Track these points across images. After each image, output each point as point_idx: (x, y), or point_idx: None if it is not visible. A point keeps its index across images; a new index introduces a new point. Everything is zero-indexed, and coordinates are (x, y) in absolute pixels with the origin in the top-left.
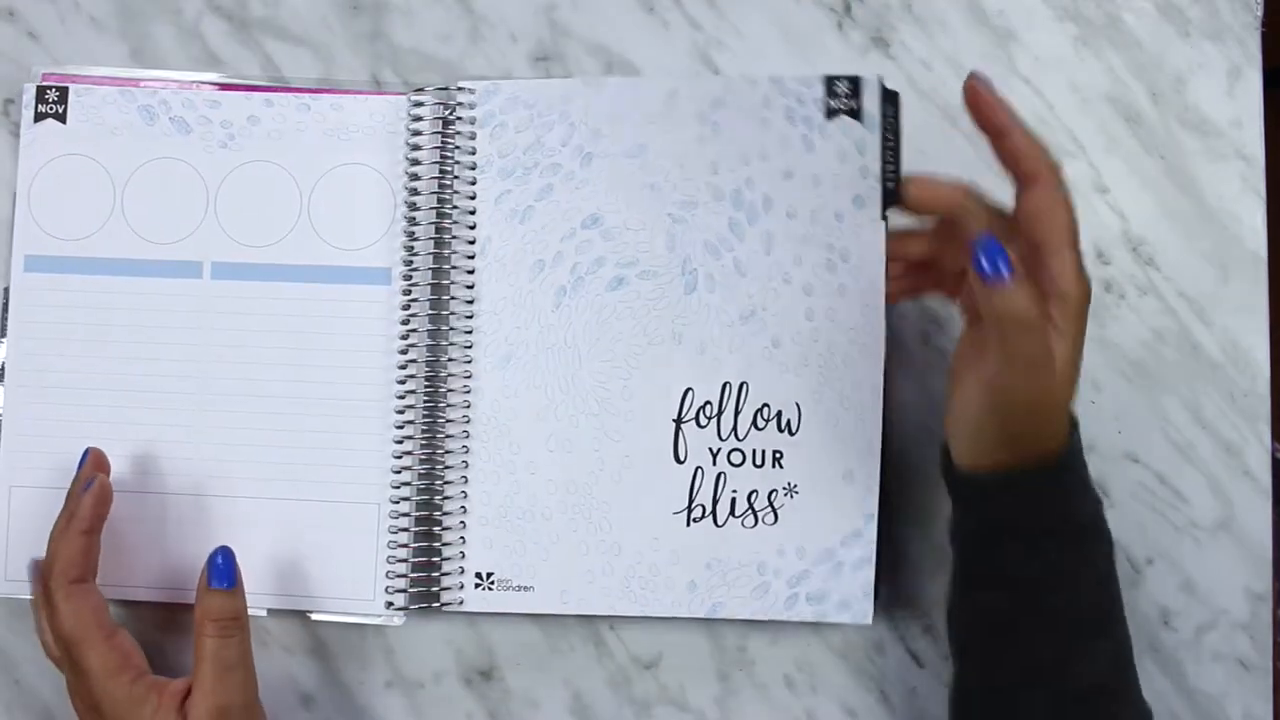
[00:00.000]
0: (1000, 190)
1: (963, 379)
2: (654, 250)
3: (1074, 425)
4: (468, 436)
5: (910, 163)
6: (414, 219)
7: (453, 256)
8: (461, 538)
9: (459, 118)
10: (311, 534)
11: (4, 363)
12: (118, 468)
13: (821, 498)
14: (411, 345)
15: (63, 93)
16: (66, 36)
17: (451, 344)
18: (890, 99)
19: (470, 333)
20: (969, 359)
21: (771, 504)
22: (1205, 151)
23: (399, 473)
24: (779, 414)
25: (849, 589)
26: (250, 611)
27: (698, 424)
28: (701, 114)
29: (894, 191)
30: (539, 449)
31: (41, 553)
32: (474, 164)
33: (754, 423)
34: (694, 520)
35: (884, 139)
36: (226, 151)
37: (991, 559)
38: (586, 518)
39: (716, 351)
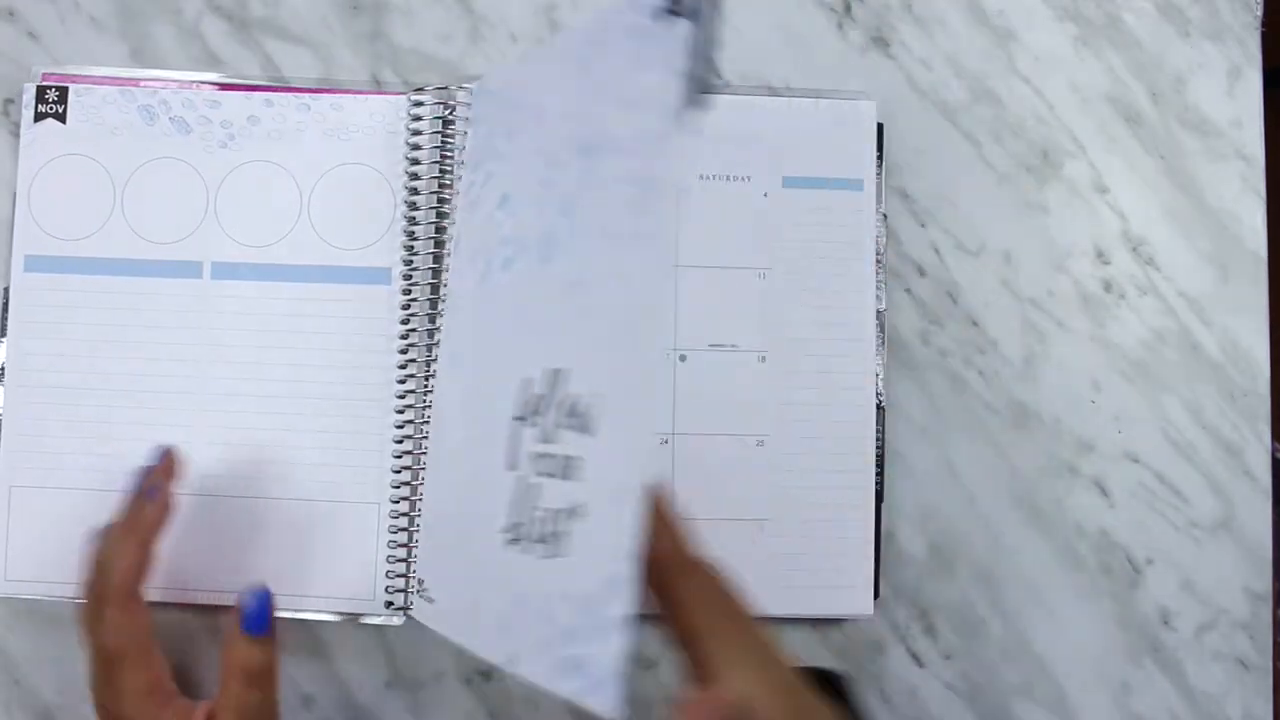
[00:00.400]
0: (991, 193)
1: None
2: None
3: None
4: None
5: (910, 161)
6: (414, 219)
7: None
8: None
9: (460, 118)
10: (311, 534)
11: (4, 363)
12: (117, 467)
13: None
14: (411, 345)
15: (63, 93)
16: (66, 36)
17: None
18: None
19: None
20: None
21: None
22: (1205, 151)
23: (399, 473)
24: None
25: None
26: None
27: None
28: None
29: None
30: None
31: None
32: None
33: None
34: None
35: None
36: (226, 151)
37: None
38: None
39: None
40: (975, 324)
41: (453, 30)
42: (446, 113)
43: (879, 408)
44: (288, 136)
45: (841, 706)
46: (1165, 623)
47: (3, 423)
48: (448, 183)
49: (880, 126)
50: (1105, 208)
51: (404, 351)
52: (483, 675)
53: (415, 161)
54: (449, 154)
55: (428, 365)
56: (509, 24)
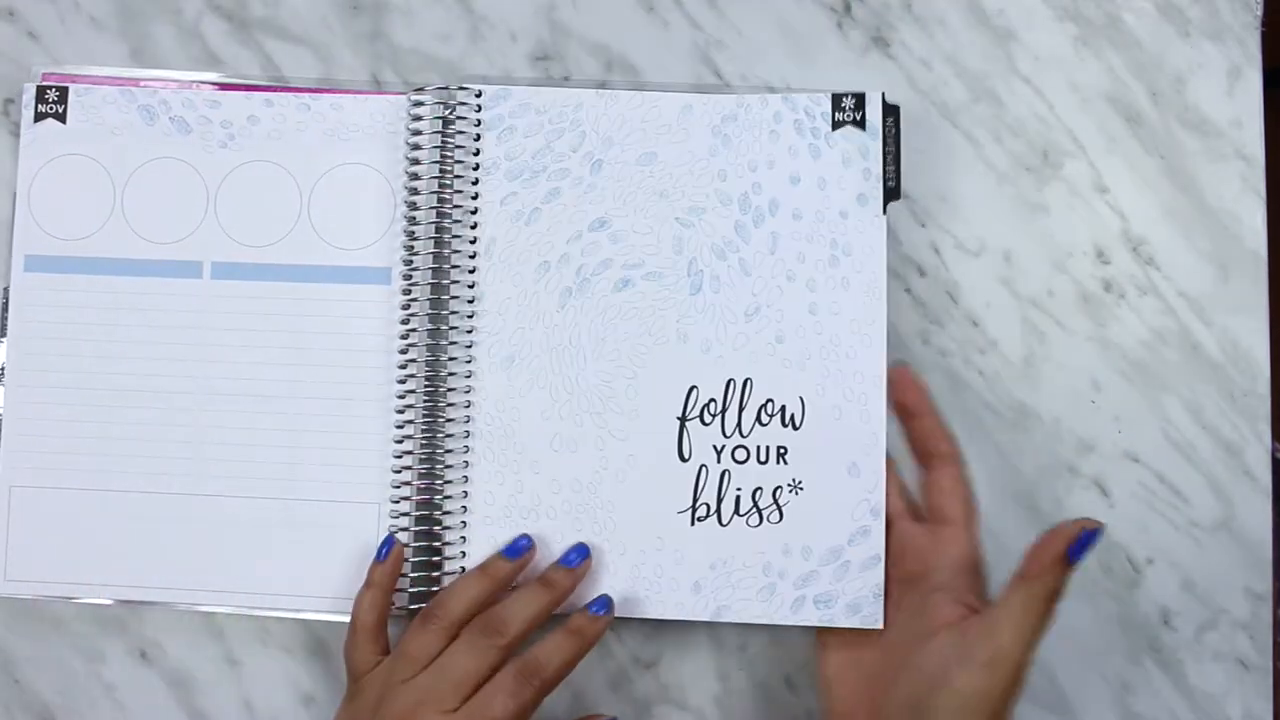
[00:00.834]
0: (991, 193)
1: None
2: (661, 253)
3: None
4: (469, 436)
5: (910, 161)
6: (414, 219)
7: (453, 256)
8: (463, 537)
9: (460, 118)
10: (312, 534)
11: (4, 363)
12: (117, 467)
13: (827, 494)
14: (411, 345)
15: (63, 93)
16: (66, 36)
17: (452, 344)
18: (891, 111)
19: (471, 332)
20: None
21: (776, 501)
22: (1205, 151)
23: (399, 473)
24: (783, 409)
25: (858, 590)
26: (251, 612)
27: (702, 421)
28: (713, 127)
29: (894, 190)
30: (543, 449)
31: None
32: (476, 164)
33: (758, 418)
34: (698, 519)
35: (885, 145)
36: (226, 151)
37: None
38: (591, 518)
39: (720, 349)
40: (975, 324)
41: (453, 30)
42: (446, 113)
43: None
44: (288, 136)
45: None
46: (1165, 623)
47: (3, 423)
48: (448, 183)
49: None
50: (1105, 208)
51: (404, 351)
52: None
53: (415, 161)
54: (449, 154)
55: (428, 365)
56: (509, 24)
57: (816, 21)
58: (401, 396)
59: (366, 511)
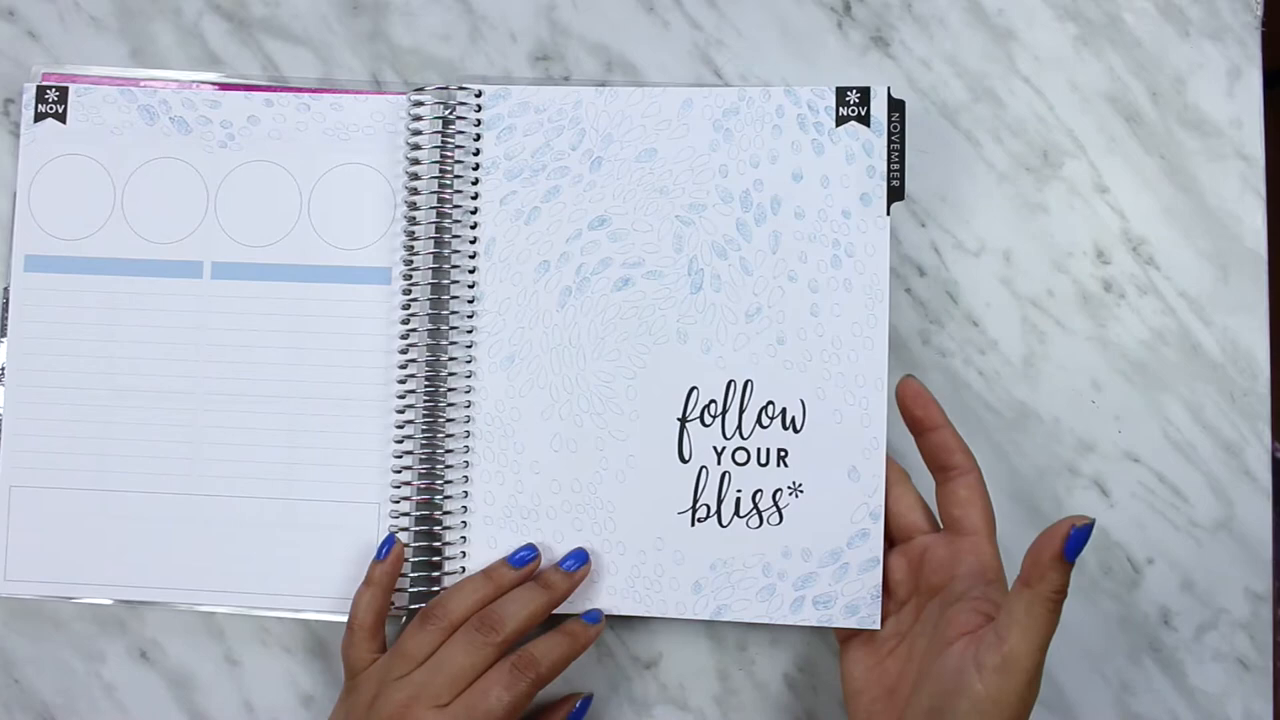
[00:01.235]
0: (991, 193)
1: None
2: (661, 251)
3: None
4: (469, 436)
5: (910, 162)
6: (414, 219)
7: (453, 256)
8: (463, 537)
9: (460, 117)
10: (311, 534)
11: (4, 363)
12: (117, 467)
13: (826, 496)
14: (411, 345)
15: (63, 93)
16: (66, 36)
17: (452, 343)
18: (896, 107)
19: (471, 332)
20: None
21: (776, 503)
22: (1205, 151)
23: (399, 472)
24: (783, 411)
25: (856, 591)
26: (251, 612)
27: (702, 423)
28: (715, 121)
29: (898, 189)
30: (543, 448)
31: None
32: (476, 164)
33: (758, 420)
34: (699, 520)
35: (889, 142)
36: (226, 151)
37: None
38: (591, 517)
39: (721, 350)
40: (975, 324)
41: (453, 30)
42: (446, 113)
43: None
44: (288, 136)
45: None
46: (1165, 623)
47: (3, 423)
48: (448, 183)
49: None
50: (1105, 208)
51: (404, 351)
52: None
53: (415, 161)
54: (449, 154)
55: (428, 365)
56: (509, 24)
57: (816, 21)
58: (401, 396)
59: (366, 511)
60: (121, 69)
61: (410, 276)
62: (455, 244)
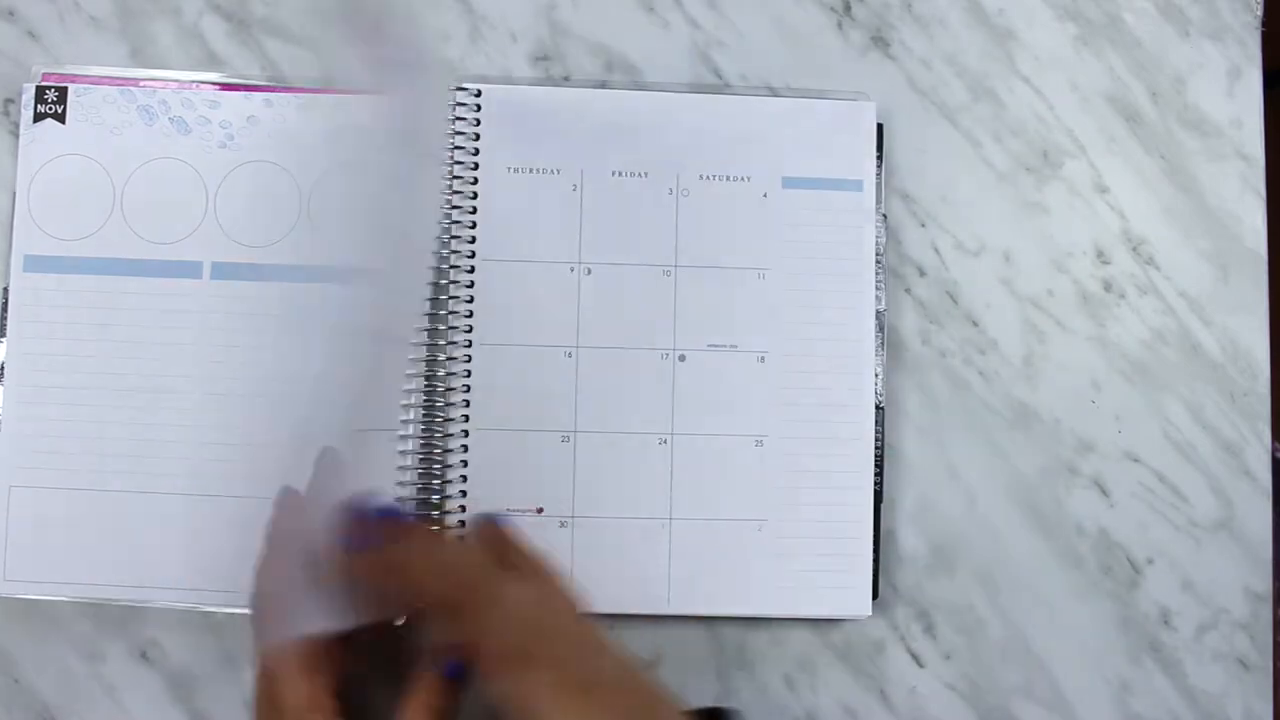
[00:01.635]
0: (991, 193)
1: None
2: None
3: None
4: (467, 436)
5: (910, 161)
6: None
7: (453, 256)
8: (461, 537)
9: (460, 118)
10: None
11: (4, 362)
12: (117, 467)
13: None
14: (412, 343)
15: (62, 93)
16: (66, 36)
17: (451, 342)
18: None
19: (470, 331)
20: None
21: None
22: (1205, 151)
23: (399, 471)
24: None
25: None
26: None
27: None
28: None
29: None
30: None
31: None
32: (475, 164)
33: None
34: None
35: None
36: (226, 151)
37: None
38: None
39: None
40: (975, 324)
41: (453, 30)
42: (446, 112)
43: (878, 408)
44: (287, 136)
45: None
46: (1165, 623)
47: (2, 423)
48: (448, 182)
49: (880, 127)
50: (1105, 208)
51: None
52: None
53: None
54: (449, 153)
55: (427, 364)
56: (509, 24)
57: (816, 21)
58: (403, 395)
59: None
60: (121, 69)
61: None
62: (455, 244)
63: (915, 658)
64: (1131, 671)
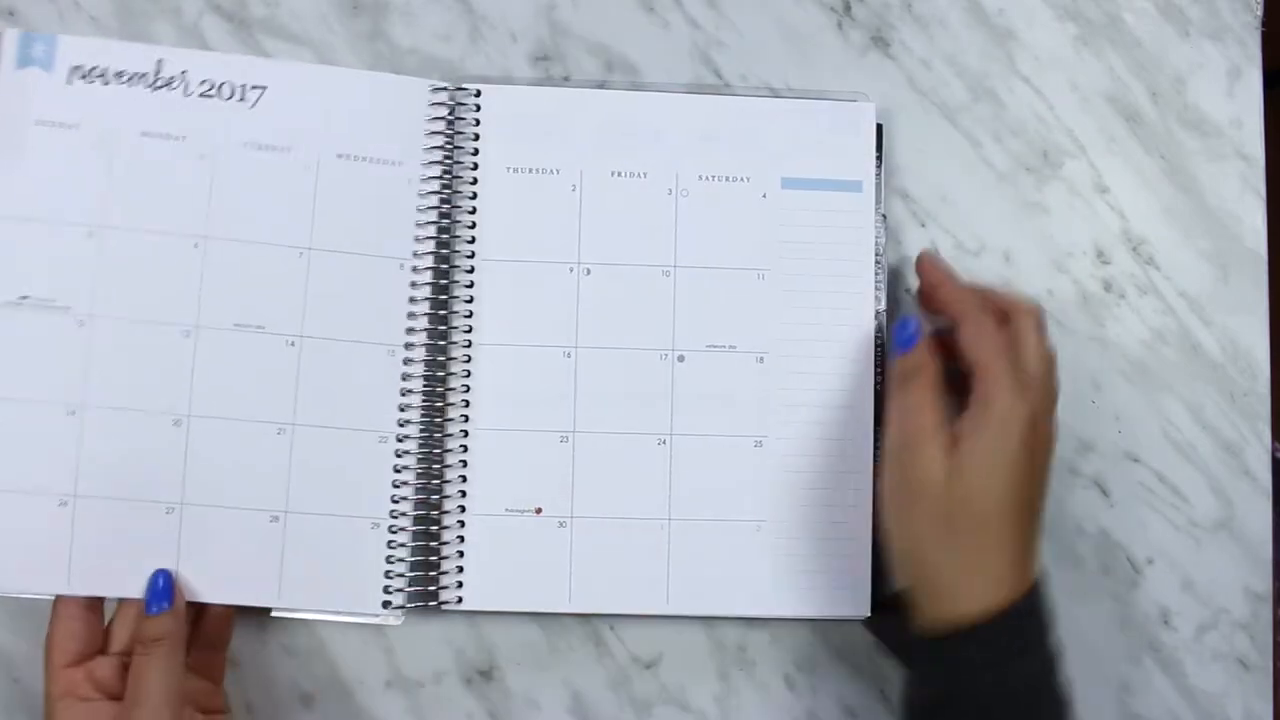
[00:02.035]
0: (991, 193)
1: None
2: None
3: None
4: (466, 435)
5: (910, 161)
6: (414, 219)
7: (454, 256)
8: (460, 537)
9: (459, 118)
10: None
11: None
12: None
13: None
14: (412, 344)
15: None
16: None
17: (453, 343)
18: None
19: (470, 331)
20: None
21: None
22: (1205, 151)
23: (398, 471)
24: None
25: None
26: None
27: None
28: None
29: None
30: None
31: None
32: (475, 164)
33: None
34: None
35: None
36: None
37: None
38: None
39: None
40: None
41: (453, 30)
42: (446, 112)
43: (879, 408)
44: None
45: None
46: (1165, 623)
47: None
48: (448, 182)
49: (880, 127)
50: (1105, 208)
51: (406, 347)
52: (482, 675)
53: (430, 149)
54: (449, 154)
55: (426, 365)
56: (509, 24)
57: (816, 21)
58: (404, 395)
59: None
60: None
61: (419, 271)
62: (456, 244)
63: None
64: (1131, 671)
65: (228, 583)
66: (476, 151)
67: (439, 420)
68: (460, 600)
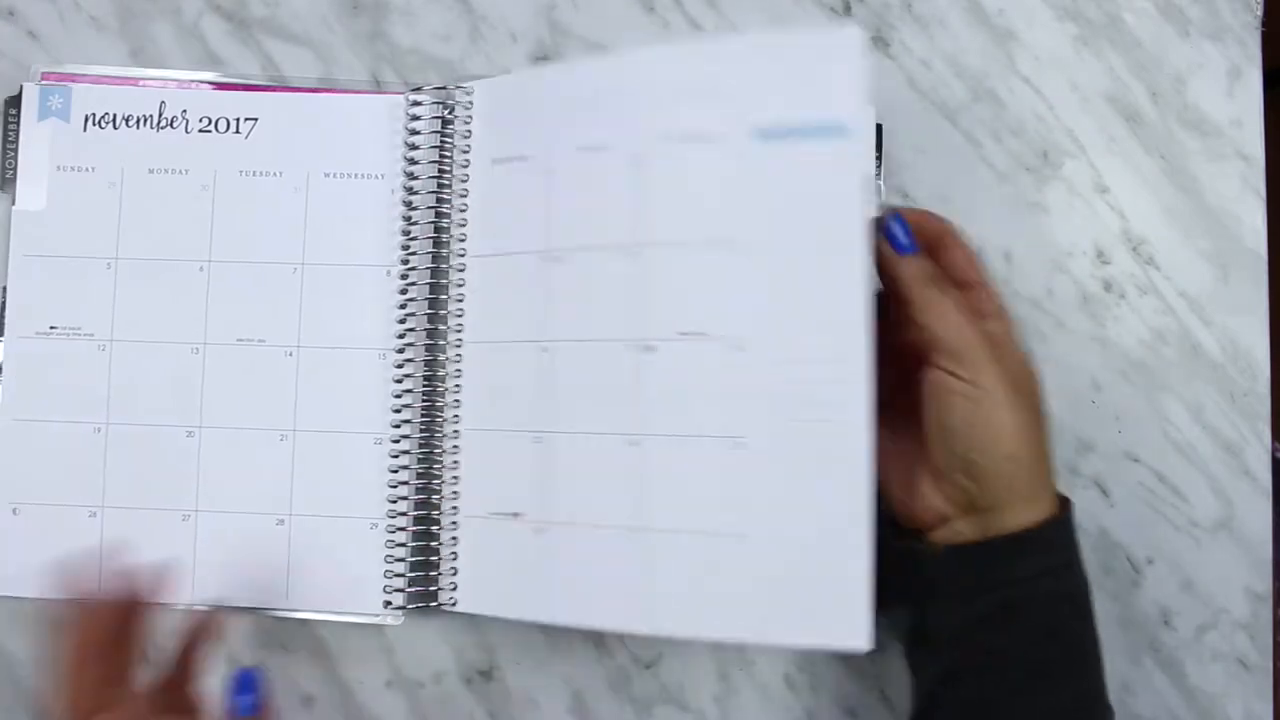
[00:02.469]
0: (991, 193)
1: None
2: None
3: (1064, 505)
4: (457, 435)
5: (910, 161)
6: (411, 219)
7: (451, 256)
8: (454, 538)
9: (458, 117)
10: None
11: (3, 362)
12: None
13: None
14: (409, 345)
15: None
16: (66, 36)
17: (448, 343)
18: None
19: (461, 330)
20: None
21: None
22: (1205, 151)
23: (396, 472)
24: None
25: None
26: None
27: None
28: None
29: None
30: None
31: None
32: (453, 163)
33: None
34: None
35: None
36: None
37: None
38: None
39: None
40: None
41: (453, 30)
42: (445, 112)
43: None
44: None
45: None
46: (1165, 623)
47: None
48: (446, 182)
49: (880, 127)
50: (1105, 208)
51: (401, 350)
52: (482, 675)
53: (413, 161)
54: (446, 154)
55: (425, 365)
56: (509, 24)
57: (816, 21)
58: (399, 396)
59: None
60: (121, 69)
61: (407, 276)
62: (453, 244)
63: None
64: (1131, 671)
65: (239, 586)
66: (469, 149)
67: (430, 421)
68: (455, 602)
